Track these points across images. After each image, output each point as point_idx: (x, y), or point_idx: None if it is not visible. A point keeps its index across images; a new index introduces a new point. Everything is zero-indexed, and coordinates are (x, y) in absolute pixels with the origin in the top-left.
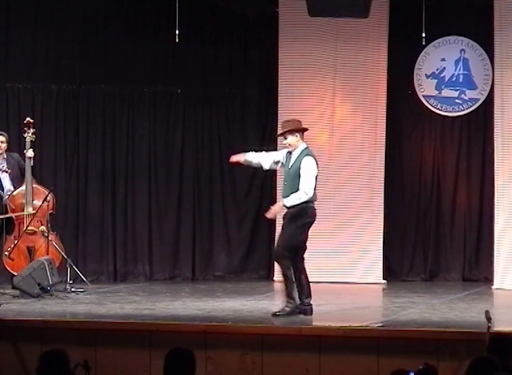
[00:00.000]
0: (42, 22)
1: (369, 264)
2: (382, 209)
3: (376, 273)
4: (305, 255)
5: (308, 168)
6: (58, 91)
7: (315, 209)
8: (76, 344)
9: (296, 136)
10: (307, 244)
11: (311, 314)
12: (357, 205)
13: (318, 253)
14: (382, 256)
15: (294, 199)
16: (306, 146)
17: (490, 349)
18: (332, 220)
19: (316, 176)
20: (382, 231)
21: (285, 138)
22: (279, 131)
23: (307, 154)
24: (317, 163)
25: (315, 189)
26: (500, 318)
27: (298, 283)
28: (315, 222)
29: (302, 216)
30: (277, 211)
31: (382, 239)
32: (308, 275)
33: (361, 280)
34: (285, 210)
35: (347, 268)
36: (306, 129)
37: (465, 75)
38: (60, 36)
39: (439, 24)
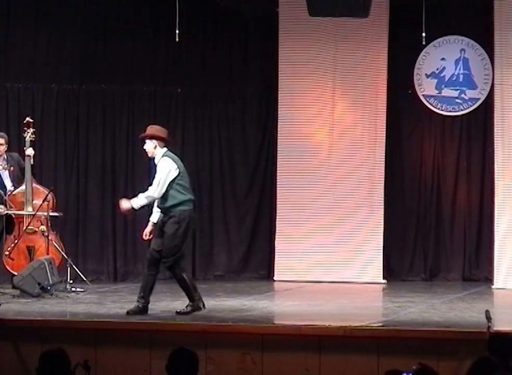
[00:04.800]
0: (42, 22)
1: (368, 258)
2: (382, 203)
3: (375, 268)
4: (305, 250)
5: (160, 168)
6: (58, 91)
7: (189, 211)
8: (76, 344)
9: (153, 143)
10: (309, 241)
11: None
12: (356, 200)
13: (317, 247)
14: (381, 250)
15: (140, 199)
16: (164, 151)
17: (490, 349)
18: (331, 214)
19: (179, 175)
20: (381, 225)
21: (144, 143)
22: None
23: (163, 156)
24: (176, 163)
25: (187, 189)
26: (500, 318)
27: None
28: (312, 218)
29: (173, 224)
30: (123, 207)
31: (381, 234)
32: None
33: (360, 275)
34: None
35: (345, 263)
36: (165, 140)
37: (465, 74)
38: (60, 36)
39: (439, 24)
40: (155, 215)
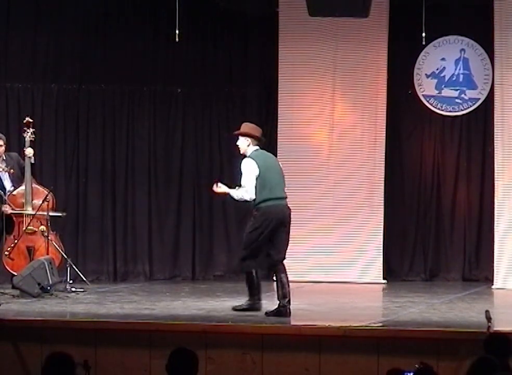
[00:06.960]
0: (42, 22)
1: (368, 259)
2: (382, 205)
3: (376, 269)
4: (305, 251)
5: (244, 168)
6: (58, 91)
7: (278, 206)
8: (76, 344)
9: (247, 141)
10: (310, 242)
11: (288, 316)
12: (357, 200)
13: (317, 249)
14: (382, 251)
15: (237, 193)
16: (253, 150)
17: (490, 349)
18: (332, 216)
19: (261, 175)
20: (382, 227)
21: (237, 139)
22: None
23: (247, 156)
24: (258, 164)
25: (274, 186)
26: (500, 318)
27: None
28: (313, 219)
29: (256, 217)
30: (218, 190)
31: (382, 235)
32: (287, 276)
33: (360, 276)
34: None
35: (346, 264)
36: (258, 139)
37: (465, 74)
38: (60, 36)
39: (439, 23)
40: None
